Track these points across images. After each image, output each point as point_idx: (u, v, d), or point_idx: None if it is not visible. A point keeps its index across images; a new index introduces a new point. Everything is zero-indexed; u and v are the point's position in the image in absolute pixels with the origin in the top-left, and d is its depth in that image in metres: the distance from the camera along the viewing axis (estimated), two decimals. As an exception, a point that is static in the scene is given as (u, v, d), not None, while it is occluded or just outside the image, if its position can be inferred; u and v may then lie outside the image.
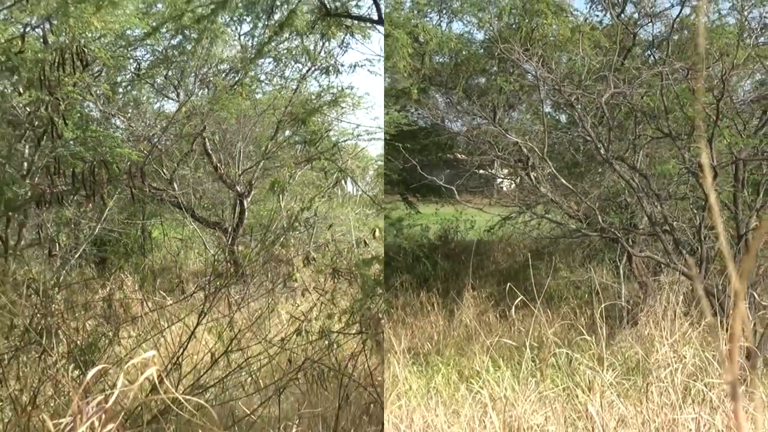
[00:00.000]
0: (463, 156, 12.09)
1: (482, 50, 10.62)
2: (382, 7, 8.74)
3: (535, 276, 6.59)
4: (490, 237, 12.25)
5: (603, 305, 6.55)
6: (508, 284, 6.66)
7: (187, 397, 3.68)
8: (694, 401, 5.58)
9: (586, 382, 5.87)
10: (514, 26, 9.71)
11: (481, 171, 12.59)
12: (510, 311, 9.39)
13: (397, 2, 10.47)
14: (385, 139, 10.80)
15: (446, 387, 6.76)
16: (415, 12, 10.55)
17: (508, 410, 5.32)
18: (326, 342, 6.23)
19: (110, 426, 3.00)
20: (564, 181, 8.28)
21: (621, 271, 8.96)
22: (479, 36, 10.74)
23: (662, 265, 8.63)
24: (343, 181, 10.70)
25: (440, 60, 11.00)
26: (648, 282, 9.18)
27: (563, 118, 10.26)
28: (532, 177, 8.39)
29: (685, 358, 6.15)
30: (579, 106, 8.11)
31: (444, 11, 10.70)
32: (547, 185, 8.36)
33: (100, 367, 4.09)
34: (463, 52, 10.66)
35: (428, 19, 10.67)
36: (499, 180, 13.95)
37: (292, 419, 5.38)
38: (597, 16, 10.13)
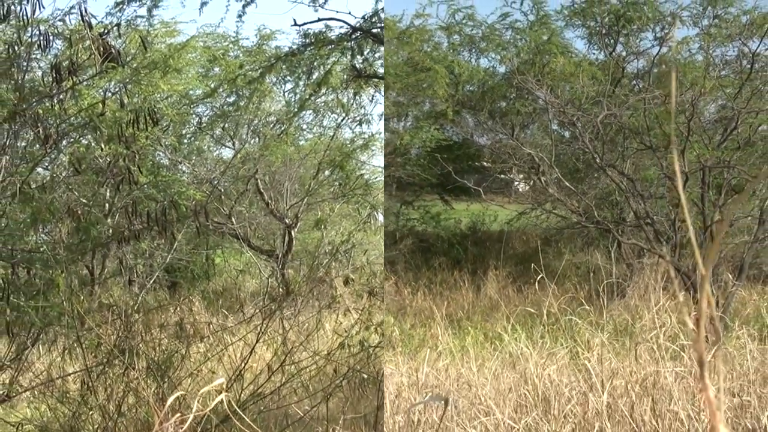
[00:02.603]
0: (488, 164, 12.15)
1: (503, 81, 10.69)
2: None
3: (544, 259, 6.64)
4: (510, 228, 12.28)
5: (604, 282, 6.60)
6: (532, 265, 6.71)
7: (247, 425, 3.33)
8: (673, 358, 5.63)
9: (585, 342, 5.93)
10: (529, 62, 9.77)
11: (502, 176, 12.61)
12: (525, 286, 9.51)
13: (436, 44, 10.62)
14: (426, 151, 10.94)
15: (474, 346, 6.85)
16: (451, 51, 10.69)
17: (524, 364, 5.42)
18: (366, 353, 5.97)
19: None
20: (567, 184, 8.30)
21: (612, 255, 8.99)
22: (501, 69, 10.80)
23: (645, 250, 8.66)
24: (374, 213, 10.30)
25: (470, 88, 11.07)
26: (634, 263, 9.21)
27: (567, 134, 10.27)
28: (542, 180, 8.44)
29: (666, 324, 6.20)
30: (579, 125, 8.14)
31: (473, 50, 10.81)
32: (554, 187, 8.39)
33: (178, 394, 3.73)
34: (489, 82, 10.73)
35: (461, 56, 10.79)
36: (516, 183, 13.97)
37: (338, 420, 5.12)
38: (594, 54, 10.17)
